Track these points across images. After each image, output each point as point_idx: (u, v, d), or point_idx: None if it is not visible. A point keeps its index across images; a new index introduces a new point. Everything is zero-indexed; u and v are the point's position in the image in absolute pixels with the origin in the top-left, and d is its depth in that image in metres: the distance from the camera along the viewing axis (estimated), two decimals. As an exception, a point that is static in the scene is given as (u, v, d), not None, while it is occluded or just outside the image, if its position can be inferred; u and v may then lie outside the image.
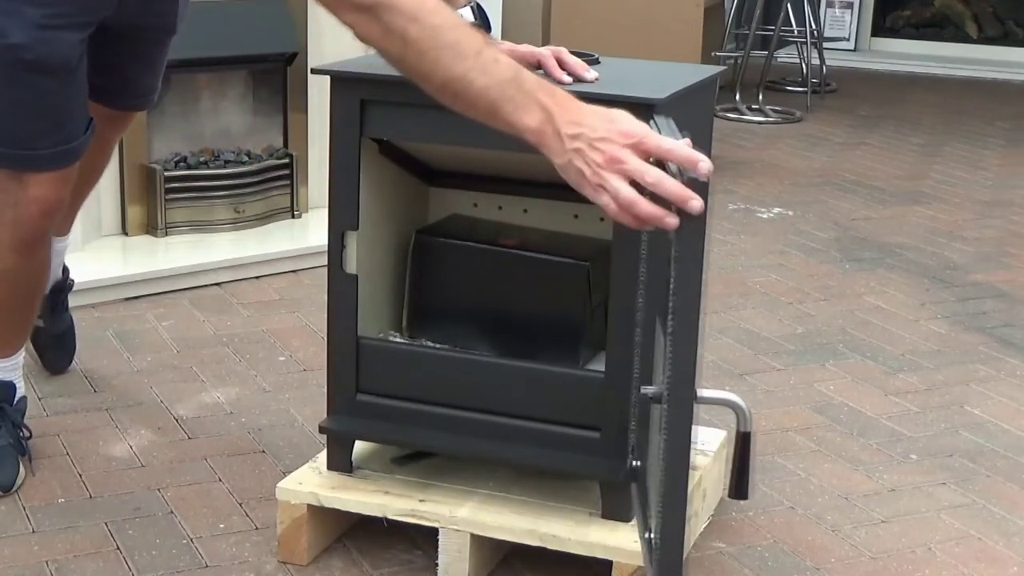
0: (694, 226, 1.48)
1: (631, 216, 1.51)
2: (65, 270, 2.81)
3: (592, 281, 2.15)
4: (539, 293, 2.19)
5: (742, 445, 1.73)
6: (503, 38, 2.09)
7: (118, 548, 2.18)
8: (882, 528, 2.35)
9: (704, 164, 1.46)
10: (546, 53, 2.01)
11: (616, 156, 1.51)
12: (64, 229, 2.72)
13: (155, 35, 2.48)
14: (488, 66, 1.58)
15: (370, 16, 1.60)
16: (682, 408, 1.53)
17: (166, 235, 3.65)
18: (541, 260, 2.18)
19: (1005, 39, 7.90)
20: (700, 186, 1.46)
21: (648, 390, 1.60)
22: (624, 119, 1.55)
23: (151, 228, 3.66)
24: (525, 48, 2.02)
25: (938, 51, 7.88)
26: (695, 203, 1.43)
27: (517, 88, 1.57)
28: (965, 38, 7.96)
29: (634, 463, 1.97)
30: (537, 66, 2.01)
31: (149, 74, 2.54)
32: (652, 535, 1.74)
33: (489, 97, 1.58)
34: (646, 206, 1.49)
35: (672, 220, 1.46)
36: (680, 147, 1.50)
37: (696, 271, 1.50)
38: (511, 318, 2.21)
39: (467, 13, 2.06)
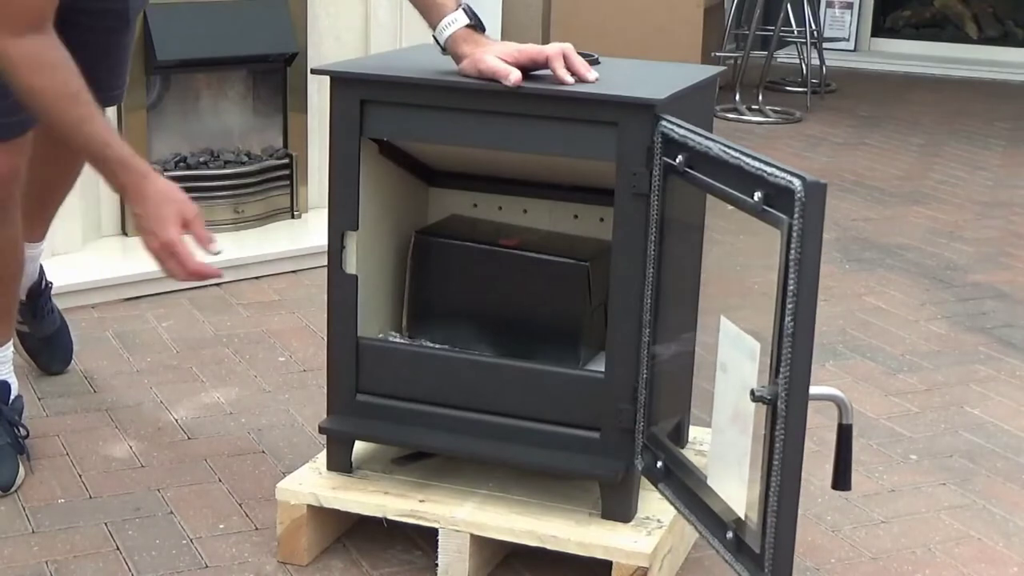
0: (813, 230, 1.55)
1: (187, 272, 2.04)
2: (42, 272, 2.79)
3: (592, 281, 2.15)
4: (539, 293, 2.19)
5: (844, 437, 1.74)
6: (503, 38, 2.08)
7: (118, 548, 2.18)
8: (882, 528, 2.35)
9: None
10: (554, 52, 2.00)
11: (167, 242, 2.04)
12: (36, 236, 2.70)
13: (103, 22, 2.43)
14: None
15: None
16: (799, 406, 1.60)
17: (166, 235, 3.64)
18: (541, 260, 2.18)
19: (1005, 39, 7.90)
20: (817, 194, 1.55)
21: (760, 391, 1.62)
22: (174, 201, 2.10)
23: (151, 228, 3.65)
24: (532, 47, 2.02)
25: (938, 51, 7.88)
26: (213, 246, 2.05)
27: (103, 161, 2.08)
28: (965, 38, 7.96)
29: (657, 464, 1.95)
30: (544, 65, 2.01)
31: (103, 66, 2.46)
32: (734, 533, 1.73)
33: (89, 153, 2.09)
34: (196, 266, 2.03)
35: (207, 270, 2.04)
36: None
37: (814, 274, 1.57)
38: (511, 318, 2.21)
39: (460, 16, 2.06)
